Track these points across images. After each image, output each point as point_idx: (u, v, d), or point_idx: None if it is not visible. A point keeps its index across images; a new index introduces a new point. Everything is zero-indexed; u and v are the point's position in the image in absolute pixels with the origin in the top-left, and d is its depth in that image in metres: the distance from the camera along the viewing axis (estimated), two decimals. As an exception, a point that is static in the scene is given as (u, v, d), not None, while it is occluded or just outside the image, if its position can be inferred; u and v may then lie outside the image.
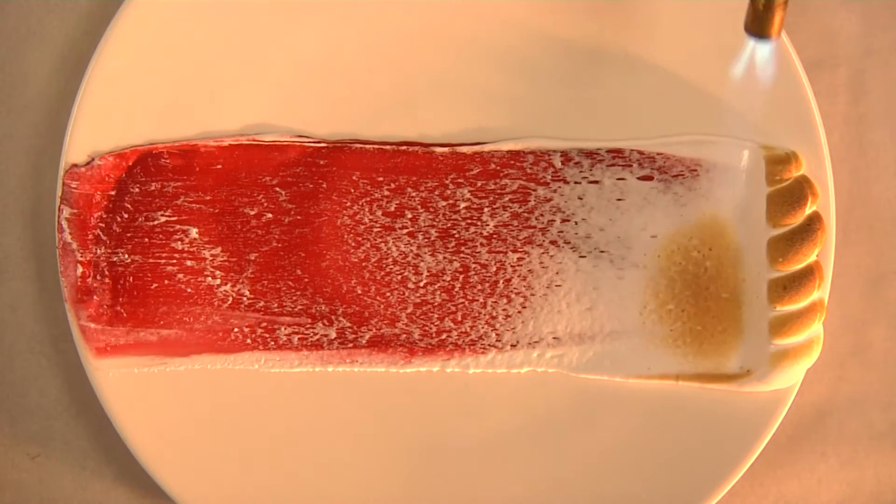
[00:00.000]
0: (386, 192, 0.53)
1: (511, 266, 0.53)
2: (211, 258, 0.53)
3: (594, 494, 0.52)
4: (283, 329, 0.53)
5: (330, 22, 0.52)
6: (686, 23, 0.52)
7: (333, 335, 0.53)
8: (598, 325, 0.52)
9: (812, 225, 0.51)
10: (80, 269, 0.52)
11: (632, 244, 0.52)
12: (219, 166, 0.53)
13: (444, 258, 0.53)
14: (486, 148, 0.53)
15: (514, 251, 0.53)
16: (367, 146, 0.53)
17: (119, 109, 0.52)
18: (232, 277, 0.53)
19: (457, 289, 0.53)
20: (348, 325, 0.53)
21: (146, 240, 0.52)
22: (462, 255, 0.53)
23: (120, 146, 0.52)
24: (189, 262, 0.53)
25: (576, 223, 0.52)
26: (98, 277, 0.52)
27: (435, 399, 0.53)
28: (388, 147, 0.53)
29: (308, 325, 0.53)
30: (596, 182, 0.52)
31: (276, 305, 0.53)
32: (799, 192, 0.51)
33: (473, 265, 0.53)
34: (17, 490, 0.55)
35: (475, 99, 0.52)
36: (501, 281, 0.53)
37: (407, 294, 0.53)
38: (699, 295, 0.52)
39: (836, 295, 0.54)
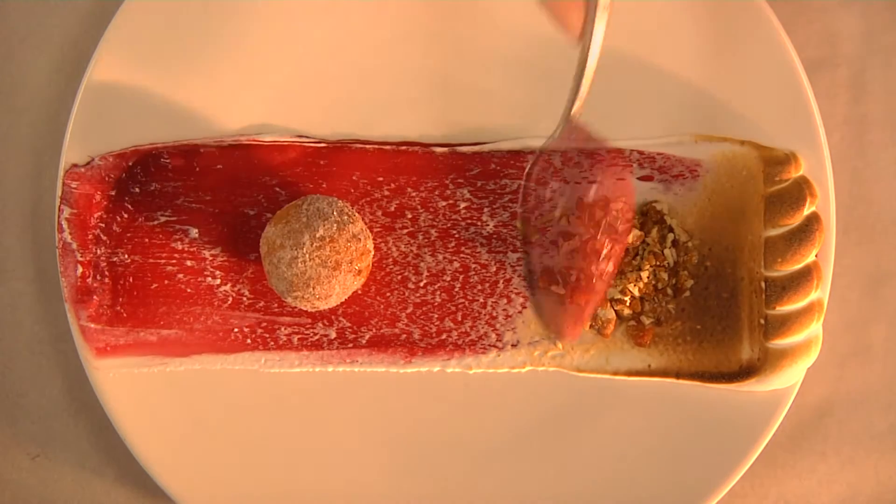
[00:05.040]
0: (386, 192, 0.53)
1: (511, 266, 0.53)
2: (211, 258, 0.53)
3: (595, 494, 0.52)
4: (283, 329, 0.53)
5: (330, 23, 0.52)
6: (686, 24, 0.52)
7: (333, 335, 0.53)
8: (598, 324, 0.52)
9: (810, 226, 0.51)
10: (80, 269, 0.52)
11: (632, 244, 0.52)
12: (219, 166, 0.53)
13: (444, 258, 0.53)
14: (486, 148, 0.53)
15: (514, 251, 0.53)
16: (367, 146, 0.53)
17: (119, 109, 0.52)
18: (232, 277, 0.53)
19: (457, 289, 0.53)
20: (348, 324, 0.53)
21: (146, 240, 0.52)
22: (462, 255, 0.53)
23: (120, 146, 0.52)
24: (189, 263, 0.53)
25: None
26: (98, 277, 0.52)
27: (435, 399, 0.53)
28: (388, 147, 0.53)
29: (308, 325, 0.53)
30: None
31: (276, 305, 0.53)
32: (798, 193, 0.51)
33: (473, 265, 0.53)
34: (17, 490, 0.55)
35: (475, 99, 0.52)
36: (501, 281, 0.53)
37: (407, 294, 0.53)
38: (699, 294, 0.52)
39: (836, 295, 0.54)
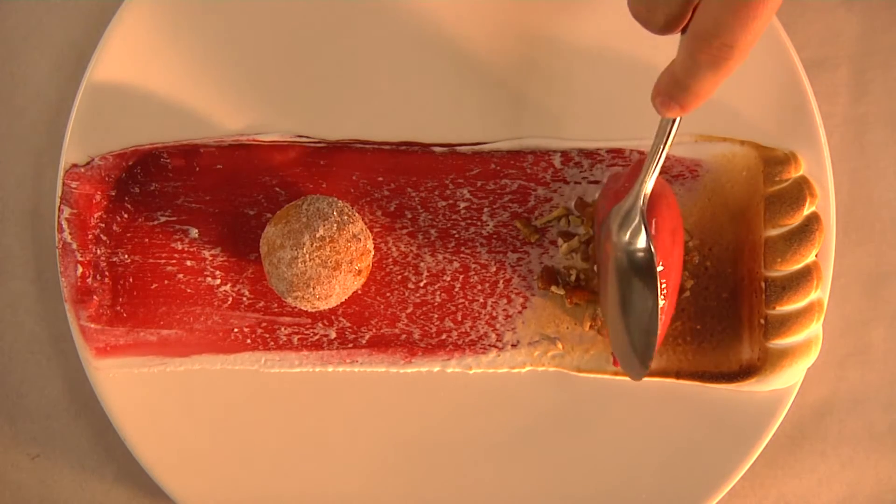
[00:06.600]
0: (386, 192, 0.53)
1: (511, 266, 0.53)
2: (211, 258, 0.53)
3: (594, 494, 0.52)
4: (283, 329, 0.53)
5: (330, 23, 0.52)
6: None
7: (333, 335, 0.53)
8: (598, 324, 0.52)
9: (810, 226, 0.51)
10: (80, 269, 0.52)
11: (632, 244, 0.52)
12: (219, 166, 0.53)
13: (444, 258, 0.53)
14: (486, 148, 0.53)
15: (514, 251, 0.53)
16: (367, 146, 0.53)
17: (119, 109, 0.52)
18: (232, 277, 0.53)
19: (457, 289, 0.53)
20: (348, 325, 0.53)
21: (146, 240, 0.52)
22: (462, 255, 0.53)
23: (120, 146, 0.52)
24: (189, 263, 0.53)
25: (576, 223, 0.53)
26: (98, 277, 0.52)
27: (435, 399, 0.53)
28: (387, 147, 0.53)
29: (308, 325, 0.53)
30: (596, 182, 0.52)
31: (276, 305, 0.53)
32: (798, 193, 0.51)
33: (473, 265, 0.53)
34: (17, 490, 0.55)
35: (475, 99, 0.52)
36: (501, 281, 0.53)
37: (407, 294, 0.53)
38: (699, 294, 0.52)
39: (836, 295, 0.54)
